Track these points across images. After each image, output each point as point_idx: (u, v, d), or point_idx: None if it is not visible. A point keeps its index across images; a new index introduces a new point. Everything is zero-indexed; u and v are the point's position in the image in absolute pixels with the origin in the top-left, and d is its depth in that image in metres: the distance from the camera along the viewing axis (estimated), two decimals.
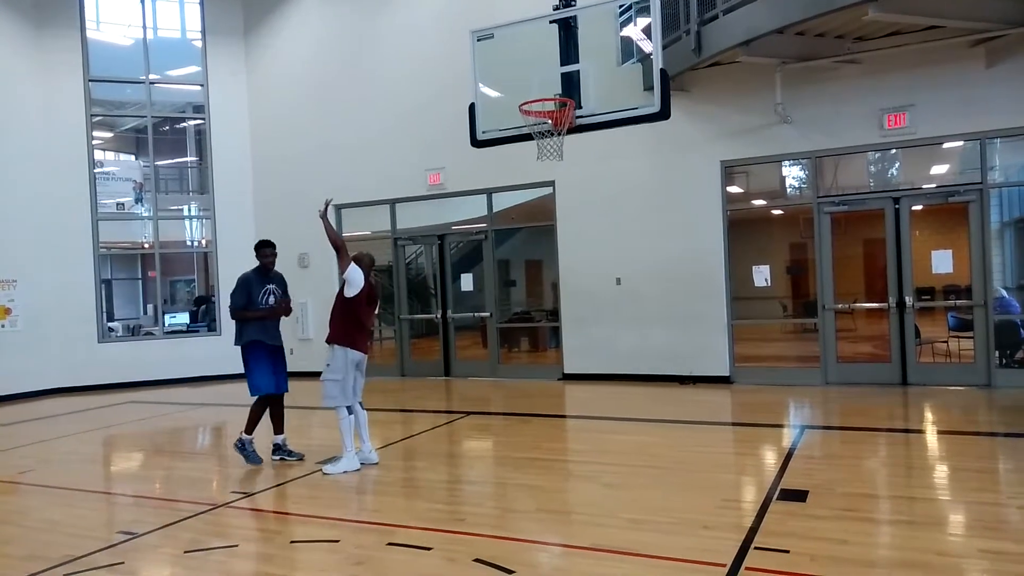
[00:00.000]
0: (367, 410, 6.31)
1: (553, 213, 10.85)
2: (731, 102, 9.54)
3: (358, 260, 6.20)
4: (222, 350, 12.35)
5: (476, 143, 7.36)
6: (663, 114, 6.45)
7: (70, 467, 6.96)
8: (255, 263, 6.49)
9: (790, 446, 6.45)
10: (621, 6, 6.98)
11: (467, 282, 11.89)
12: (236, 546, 4.45)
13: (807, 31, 8.25)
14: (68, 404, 10.95)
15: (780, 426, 7.48)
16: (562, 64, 6.86)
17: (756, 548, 3.96)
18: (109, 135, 17.46)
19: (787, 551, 3.89)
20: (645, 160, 10.09)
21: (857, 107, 8.91)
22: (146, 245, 13.86)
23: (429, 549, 4.19)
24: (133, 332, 14.06)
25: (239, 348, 6.42)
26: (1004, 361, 8.63)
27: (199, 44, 13.08)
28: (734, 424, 7.90)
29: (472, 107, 7.26)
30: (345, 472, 5.96)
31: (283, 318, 6.61)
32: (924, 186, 9.12)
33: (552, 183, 10.73)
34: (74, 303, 12.16)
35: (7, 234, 11.51)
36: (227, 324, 12.43)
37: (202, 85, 13.07)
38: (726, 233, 9.74)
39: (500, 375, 11.38)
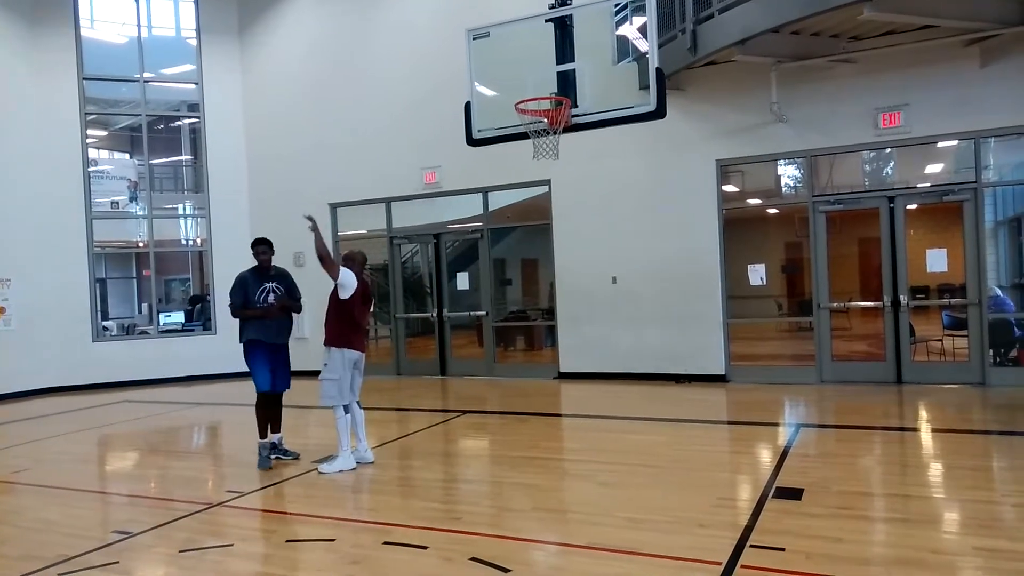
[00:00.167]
0: (364, 409, 6.30)
1: (549, 212, 10.85)
2: (727, 101, 9.55)
3: (350, 259, 6.18)
4: (217, 349, 12.38)
5: (472, 142, 7.35)
6: (659, 113, 6.45)
7: (64, 466, 6.93)
8: (252, 262, 6.45)
9: (785, 444, 6.46)
10: (617, 5, 6.97)
11: (463, 281, 11.90)
12: (231, 545, 4.44)
13: (802, 30, 8.27)
14: (62, 403, 10.91)
15: (775, 424, 7.50)
16: (558, 63, 6.85)
17: (752, 546, 3.97)
18: (104, 133, 17.42)
19: (782, 549, 3.90)
20: (641, 159, 10.10)
21: (852, 106, 8.93)
22: (141, 244, 13.83)
23: (425, 548, 4.18)
24: (128, 331, 14.01)
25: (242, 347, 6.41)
26: (998, 359, 8.66)
27: (194, 42, 13.04)
28: (730, 423, 7.91)
29: (468, 106, 7.25)
30: (341, 471, 5.95)
31: (295, 315, 6.51)
32: (919, 185, 9.15)
33: (548, 182, 10.74)
34: (68, 302, 12.12)
35: (0, 233, 11.46)
36: (222, 323, 12.51)
37: (197, 83, 13.03)
38: (722, 232, 9.76)
39: (496, 374, 11.38)
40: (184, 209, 14.22)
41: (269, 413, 6.46)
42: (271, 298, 6.34)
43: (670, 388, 9.62)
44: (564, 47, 6.86)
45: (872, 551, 3.93)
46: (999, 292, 8.77)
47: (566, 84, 6.83)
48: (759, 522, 4.36)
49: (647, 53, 6.51)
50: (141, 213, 13.00)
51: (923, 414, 7.67)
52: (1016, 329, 8.71)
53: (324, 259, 5.86)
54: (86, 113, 12.46)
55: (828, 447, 6.51)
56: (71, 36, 12.30)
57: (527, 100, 6.75)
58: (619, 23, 7.37)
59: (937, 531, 4.26)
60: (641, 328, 10.19)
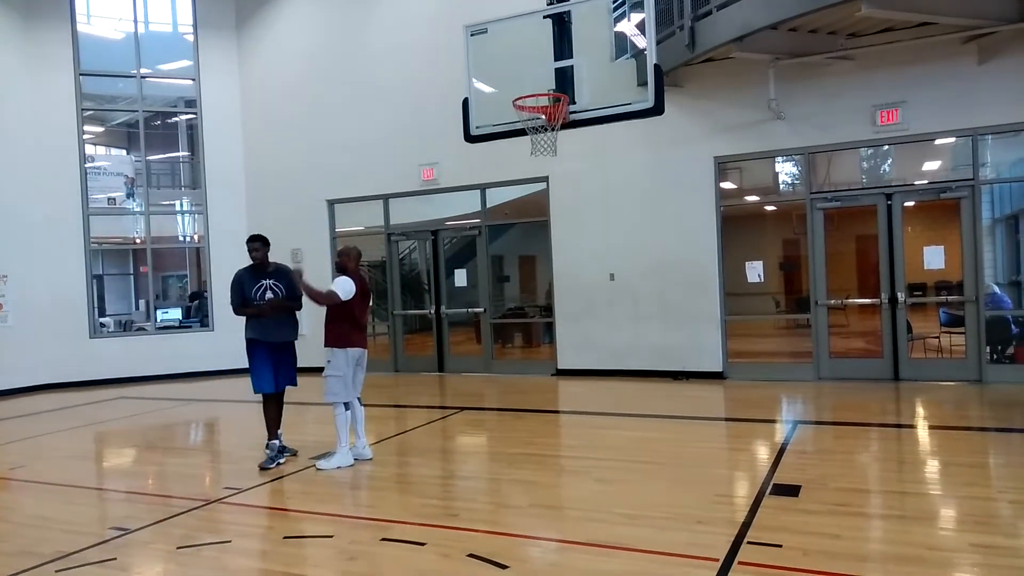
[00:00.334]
0: (364, 406, 6.29)
1: (547, 209, 10.85)
2: (725, 98, 9.55)
3: (345, 255, 6.15)
4: (215, 346, 12.36)
5: (470, 138, 7.33)
6: (657, 110, 6.44)
7: (61, 463, 6.92)
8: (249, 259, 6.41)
9: (783, 441, 6.47)
10: (615, 1, 6.98)
11: (461, 278, 11.89)
12: (229, 542, 4.44)
13: (800, 27, 8.27)
14: (59, 400, 10.89)
15: (773, 421, 7.50)
16: (556, 59, 6.84)
17: (749, 543, 3.98)
18: (100, 130, 17.40)
19: (780, 545, 3.91)
20: (639, 156, 10.10)
21: (850, 103, 8.93)
22: (138, 240, 13.79)
23: (423, 545, 4.18)
24: (125, 328, 13.99)
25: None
26: (995, 356, 8.68)
27: (191, 38, 12.99)
28: (727, 420, 7.91)
29: (466, 102, 7.23)
30: (339, 468, 5.95)
31: (298, 311, 6.40)
32: (916, 182, 9.15)
33: (546, 179, 10.73)
34: (65, 298, 12.10)
35: None
36: (220, 320, 12.49)
37: (194, 79, 12.99)
38: (719, 229, 9.76)
39: (494, 371, 11.38)
40: (181, 205, 14.19)
41: (277, 411, 6.37)
42: (268, 295, 6.23)
43: (668, 385, 9.63)
44: (562, 43, 6.85)
45: (869, 547, 3.94)
46: (996, 289, 8.79)
47: (564, 81, 6.82)
48: (756, 518, 4.36)
49: (645, 49, 6.50)
50: (138, 209, 12.97)
51: (920, 411, 7.68)
52: (1013, 326, 8.73)
53: (317, 298, 5.89)
54: (83, 109, 12.42)
55: (825, 444, 6.52)
56: (67, 31, 12.25)
57: (525, 97, 6.74)
58: (617, 19, 7.37)
59: (934, 527, 4.27)
60: (639, 325, 10.19)
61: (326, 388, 6.01)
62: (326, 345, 6.03)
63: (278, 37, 12.89)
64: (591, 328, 10.53)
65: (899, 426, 7.11)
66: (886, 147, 9.19)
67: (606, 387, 9.76)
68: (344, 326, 6.03)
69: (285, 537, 4.51)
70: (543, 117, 6.75)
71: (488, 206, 11.44)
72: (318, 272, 11.53)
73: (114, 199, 12.80)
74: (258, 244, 6.25)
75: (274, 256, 6.45)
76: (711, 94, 9.60)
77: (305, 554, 4.24)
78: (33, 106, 11.99)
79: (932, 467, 5.63)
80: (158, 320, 13.17)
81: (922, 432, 6.84)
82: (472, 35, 7.20)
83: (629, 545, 4.02)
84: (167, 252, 16.21)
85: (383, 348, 12.37)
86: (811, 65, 8.84)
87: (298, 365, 6.52)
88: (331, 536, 4.41)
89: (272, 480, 5.80)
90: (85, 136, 12.66)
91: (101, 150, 17.82)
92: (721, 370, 9.78)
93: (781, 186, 10.04)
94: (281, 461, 6.23)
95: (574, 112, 6.77)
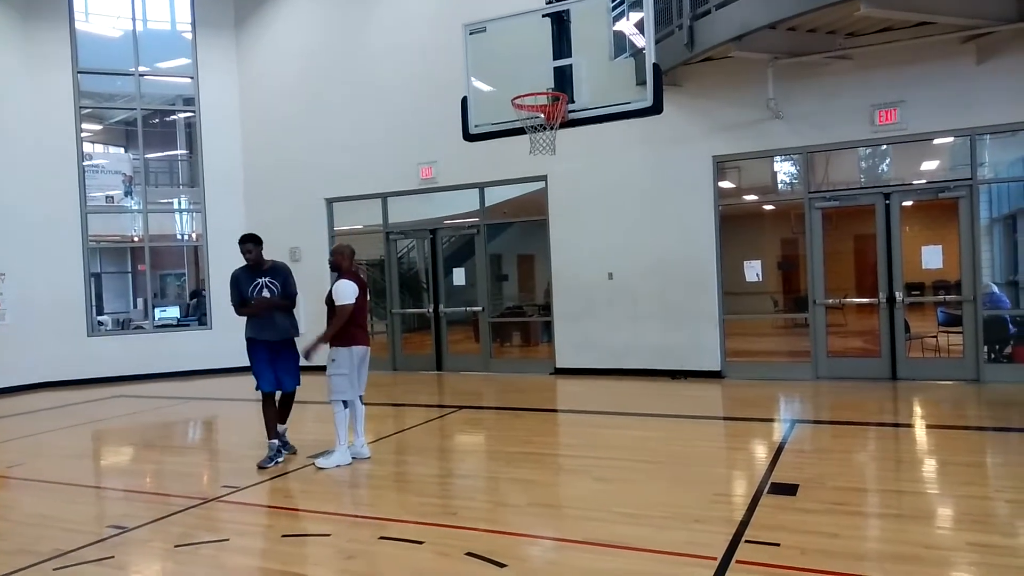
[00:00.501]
0: (364, 405, 6.29)
1: (545, 207, 10.85)
2: (723, 97, 9.55)
3: (339, 256, 6.12)
4: (213, 344, 12.35)
5: (468, 137, 7.33)
6: (655, 109, 6.44)
7: (59, 461, 6.92)
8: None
9: (781, 440, 6.48)
10: (613, 1, 6.97)
11: (459, 276, 11.89)
12: (227, 540, 4.44)
13: (799, 27, 8.27)
14: (57, 398, 10.88)
15: (771, 420, 7.51)
16: (555, 58, 6.83)
17: (747, 541, 3.98)
18: (98, 128, 17.35)
19: (777, 544, 3.91)
20: (637, 155, 10.10)
21: (848, 103, 8.93)
22: (136, 239, 13.78)
23: (421, 543, 4.18)
24: (123, 326, 13.97)
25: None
26: (993, 356, 8.69)
27: (189, 36, 12.97)
28: (725, 419, 7.92)
29: (464, 101, 7.23)
30: (338, 466, 5.95)
31: (297, 310, 6.39)
32: (914, 182, 9.16)
33: (544, 177, 10.73)
34: (63, 296, 12.08)
35: None
36: (218, 318, 12.48)
37: (192, 77, 12.97)
38: (718, 228, 9.76)
39: (492, 369, 11.38)
40: (179, 204, 14.16)
41: (276, 410, 6.35)
42: (264, 293, 6.19)
43: (666, 384, 9.64)
44: (561, 42, 6.85)
45: (867, 546, 3.94)
46: (994, 289, 8.79)
47: (563, 80, 6.82)
48: (754, 517, 4.37)
49: (644, 49, 6.50)
50: (136, 208, 12.95)
51: (918, 410, 7.70)
52: (1011, 326, 8.74)
53: (339, 325, 5.93)
54: (81, 107, 12.40)
55: (823, 443, 6.53)
56: (65, 29, 12.23)
57: (524, 95, 6.74)
58: (616, 19, 7.36)
59: (931, 527, 4.28)
60: (637, 324, 10.19)
61: (332, 387, 6.01)
62: (330, 344, 6.04)
63: (277, 36, 12.88)
64: (590, 327, 10.53)
65: (897, 425, 7.12)
66: (884, 147, 9.19)
67: (604, 386, 9.77)
68: (346, 325, 6.02)
69: (283, 535, 4.51)
70: (542, 116, 6.75)
71: (487, 205, 11.43)
72: (316, 269, 11.54)
73: (112, 197, 12.79)
74: (250, 245, 6.17)
75: (272, 254, 6.43)
76: (710, 93, 9.60)
77: (303, 552, 4.24)
78: (33, 106, 11.97)
79: (929, 466, 5.64)
80: (156, 318, 13.16)
81: (920, 431, 6.85)
82: (471, 34, 7.19)
83: (627, 544, 4.02)
84: (165, 250, 16.18)
85: (381, 347, 12.35)
86: (810, 64, 8.85)
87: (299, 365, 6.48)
88: (329, 535, 4.41)
89: (270, 478, 5.80)
90: (83, 134, 12.64)
91: (99, 148, 17.79)
92: (719, 369, 9.79)
93: (779, 185, 10.05)
94: (279, 460, 6.21)
95: (573, 111, 6.78)
